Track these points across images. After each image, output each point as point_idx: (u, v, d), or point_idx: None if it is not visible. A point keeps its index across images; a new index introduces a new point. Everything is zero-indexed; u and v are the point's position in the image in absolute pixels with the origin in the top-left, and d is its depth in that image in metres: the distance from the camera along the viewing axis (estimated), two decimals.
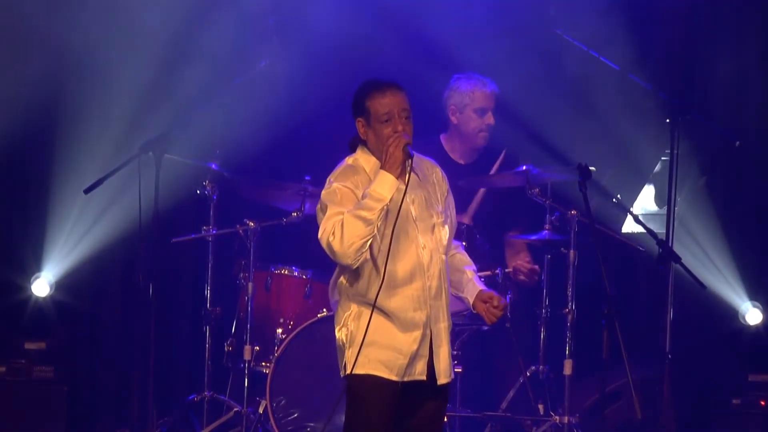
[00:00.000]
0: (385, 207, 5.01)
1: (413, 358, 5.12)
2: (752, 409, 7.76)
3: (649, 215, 8.13)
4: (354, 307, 5.16)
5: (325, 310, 7.26)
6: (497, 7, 8.09)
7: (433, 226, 5.18)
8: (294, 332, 7.21)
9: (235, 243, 7.60)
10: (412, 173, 5.06)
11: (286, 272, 7.58)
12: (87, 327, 8.21)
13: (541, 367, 7.36)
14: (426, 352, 5.14)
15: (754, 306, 8.00)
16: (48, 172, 8.06)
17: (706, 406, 7.98)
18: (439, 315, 5.17)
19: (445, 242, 5.21)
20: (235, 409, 7.46)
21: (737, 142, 7.53)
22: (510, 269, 7.40)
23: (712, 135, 7.85)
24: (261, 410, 7.26)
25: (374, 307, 5.08)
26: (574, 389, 7.32)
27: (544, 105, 8.03)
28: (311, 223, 7.65)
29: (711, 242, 8.03)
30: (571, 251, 7.25)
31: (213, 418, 7.54)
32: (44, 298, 7.99)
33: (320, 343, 7.16)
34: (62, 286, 8.03)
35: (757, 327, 8.00)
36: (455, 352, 7.02)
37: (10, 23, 7.88)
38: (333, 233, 5.02)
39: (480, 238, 7.28)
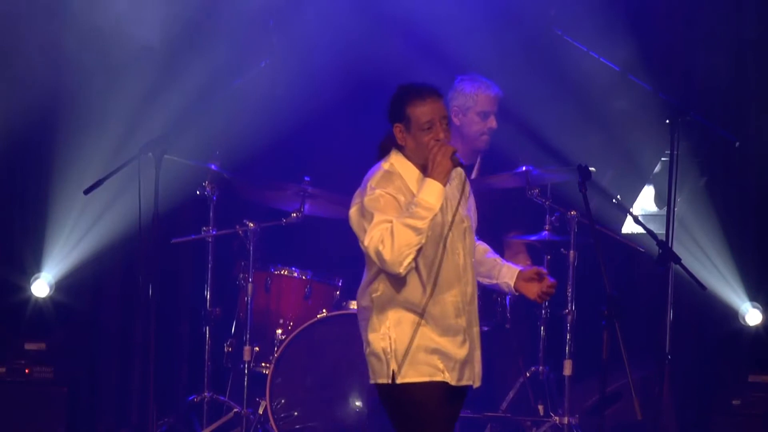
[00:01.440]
0: (435, 216, 4.99)
1: (462, 364, 5.11)
2: (753, 410, 7.76)
3: (649, 216, 8.12)
4: (392, 314, 5.10)
5: (324, 310, 7.26)
6: (497, 7, 8.09)
7: (465, 230, 5.17)
8: (294, 333, 7.20)
9: (234, 244, 7.60)
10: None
11: (285, 273, 7.57)
12: (87, 328, 8.20)
13: (541, 367, 7.35)
14: (469, 357, 5.13)
15: (754, 306, 8.00)
16: (48, 172, 8.06)
17: (706, 406, 7.97)
18: (473, 319, 5.16)
19: (473, 246, 5.22)
20: (235, 410, 7.45)
21: (737, 143, 7.52)
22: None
23: (712, 135, 7.84)
24: (261, 411, 7.26)
25: (422, 314, 5.05)
26: (574, 390, 7.32)
27: (544, 105, 8.02)
28: (311, 224, 7.69)
29: (711, 243, 8.02)
30: (571, 252, 7.25)
31: (213, 419, 7.54)
32: (44, 299, 7.98)
33: (320, 343, 7.16)
34: (62, 286, 8.03)
35: (757, 328, 8.00)
36: None
37: (6, 24, 7.87)
38: (382, 242, 4.96)
39: (478, 238, 7.27)
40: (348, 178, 7.98)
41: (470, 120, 7.45)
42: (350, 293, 7.46)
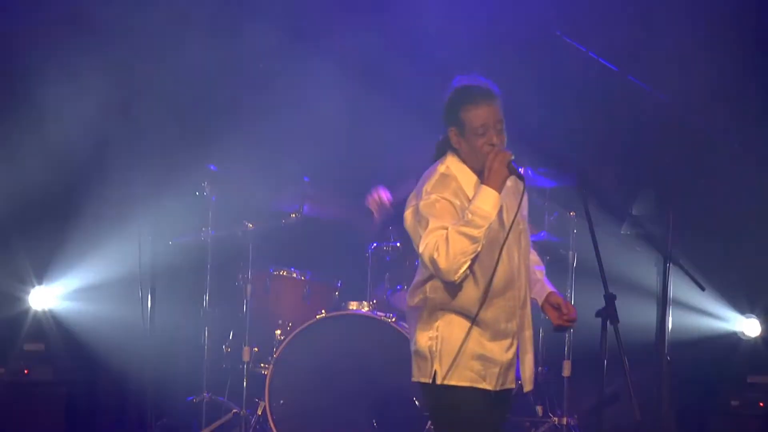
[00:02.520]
0: (491, 223, 4.94)
1: (507, 368, 5.10)
2: (751, 411, 7.75)
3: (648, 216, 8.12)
4: (443, 315, 5.08)
5: (323, 311, 7.26)
6: (497, 8, 8.09)
7: (520, 233, 5.12)
8: (293, 333, 7.20)
9: (233, 244, 7.60)
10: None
11: (284, 274, 7.57)
12: (85, 329, 8.20)
13: (540, 368, 7.35)
14: (515, 361, 5.12)
15: (748, 317, 8.00)
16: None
17: (705, 407, 7.97)
18: (525, 323, 5.14)
19: (528, 249, 5.17)
20: (234, 411, 7.46)
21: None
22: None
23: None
24: (260, 412, 7.26)
25: (475, 318, 5.02)
26: (573, 390, 7.32)
27: (544, 105, 8.02)
28: (310, 225, 7.70)
29: (707, 254, 8.01)
30: (570, 252, 7.25)
31: (212, 420, 7.54)
32: (44, 311, 7.96)
33: (319, 344, 7.16)
34: (62, 295, 8.02)
35: (755, 339, 8.00)
36: None
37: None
38: (437, 249, 4.91)
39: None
40: (347, 179, 8.03)
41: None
42: (349, 294, 7.47)
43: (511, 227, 5.03)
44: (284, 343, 7.19)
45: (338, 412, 7.15)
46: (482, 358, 5.07)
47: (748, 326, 8.00)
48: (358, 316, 7.19)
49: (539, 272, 5.28)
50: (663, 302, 7.27)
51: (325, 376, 7.15)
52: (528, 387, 5.18)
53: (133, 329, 7.77)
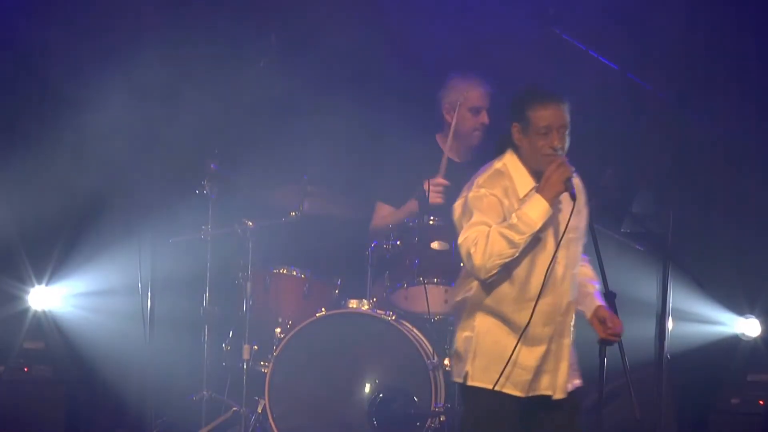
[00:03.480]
0: (534, 233, 4.94)
1: (537, 374, 5.09)
2: (751, 409, 7.75)
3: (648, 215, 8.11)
4: (480, 315, 5.10)
5: (323, 309, 7.25)
6: (495, 5, 8.08)
7: (569, 241, 5.10)
8: (293, 332, 7.20)
9: (233, 242, 7.59)
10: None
11: (284, 272, 7.57)
12: (85, 326, 8.20)
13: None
14: (550, 367, 5.11)
15: (748, 318, 8.00)
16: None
17: (705, 405, 7.97)
18: (564, 331, 5.13)
19: (577, 258, 5.16)
20: (234, 409, 7.45)
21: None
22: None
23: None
24: (260, 410, 7.25)
25: (509, 320, 5.04)
26: None
27: None
28: (310, 223, 7.69)
29: (706, 253, 8.01)
30: None
31: (211, 418, 7.54)
32: (43, 311, 7.96)
33: (319, 342, 7.15)
34: (63, 294, 8.02)
35: (755, 339, 7.99)
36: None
37: None
38: (476, 244, 4.94)
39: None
40: (347, 177, 8.03)
41: (462, 116, 7.39)
42: (349, 292, 7.46)
43: (563, 235, 4.99)
44: (284, 341, 7.19)
45: (338, 410, 7.14)
46: (513, 363, 5.05)
47: (748, 326, 8.00)
48: (358, 315, 7.19)
49: (591, 286, 5.23)
50: (663, 301, 7.28)
51: (324, 375, 7.15)
52: (558, 395, 5.14)
53: (133, 327, 7.77)
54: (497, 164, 5.11)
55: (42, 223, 7.94)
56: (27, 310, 7.93)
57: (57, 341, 7.94)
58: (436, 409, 6.94)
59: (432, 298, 7.01)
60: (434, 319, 7.11)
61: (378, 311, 7.17)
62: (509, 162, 5.11)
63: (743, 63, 8.12)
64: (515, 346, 5.04)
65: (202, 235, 7.59)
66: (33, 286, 7.96)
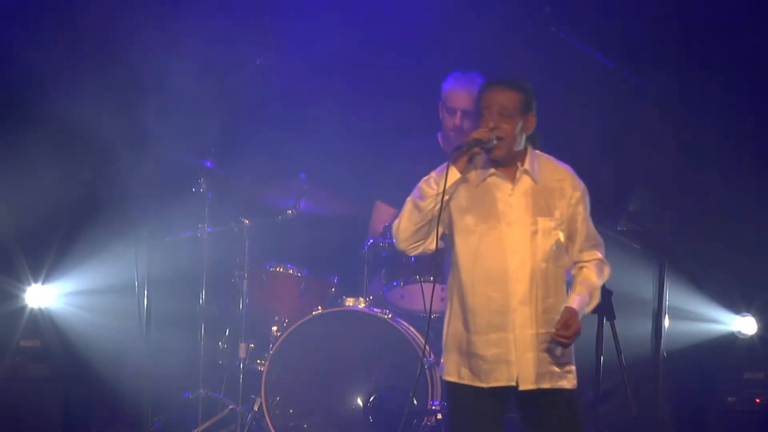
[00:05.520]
0: (439, 197, 5.02)
1: (497, 363, 5.07)
2: (748, 407, 7.76)
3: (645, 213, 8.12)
4: (448, 306, 5.16)
5: (320, 307, 7.25)
6: (493, 4, 8.08)
7: (535, 232, 5.11)
8: (289, 330, 7.19)
9: (230, 240, 7.59)
10: (525, 176, 5.12)
11: (281, 270, 7.57)
12: (82, 325, 8.20)
13: None
14: (513, 357, 5.07)
15: (744, 316, 8.00)
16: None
17: (702, 403, 7.98)
18: (526, 321, 5.08)
19: (546, 250, 5.11)
20: (230, 407, 7.45)
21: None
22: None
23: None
24: (256, 408, 7.25)
25: (463, 307, 5.08)
26: None
27: (541, 103, 8.01)
28: (306, 221, 7.69)
29: (703, 252, 8.01)
30: None
31: (208, 416, 7.54)
32: (40, 307, 7.95)
33: (315, 340, 7.15)
34: (59, 292, 8.01)
35: (752, 337, 8.00)
36: None
37: None
38: (401, 218, 5.11)
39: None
40: (343, 175, 8.03)
41: (442, 116, 7.37)
42: (345, 290, 7.46)
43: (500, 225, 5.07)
44: (280, 340, 7.19)
45: (334, 408, 7.14)
46: (470, 353, 5.06)
47: (744, 324, 8.00)
48: (354, 313, 7.19)
49: (579, 287, 5.17)
50: (659, 299, 7.28)
51: (321, 373, 7.15)
52: (524, 386, 5.09)
53: (129, 326, 7.77)
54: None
55: (38, 221, 7.93)
56: (23, 308, 7.92)
57: (53, 339, 7.93)
58: (433, 407, 6.94)
59: (428, 296, 7.01)
60: (431, 317, 7.10)
61: (374, 309, 7.17)
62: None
63: (742, 62, 8.13)
64: (467, 336, 5.07)
65: (199, 233, 7.58)
66: (29, 284, 7.96)
